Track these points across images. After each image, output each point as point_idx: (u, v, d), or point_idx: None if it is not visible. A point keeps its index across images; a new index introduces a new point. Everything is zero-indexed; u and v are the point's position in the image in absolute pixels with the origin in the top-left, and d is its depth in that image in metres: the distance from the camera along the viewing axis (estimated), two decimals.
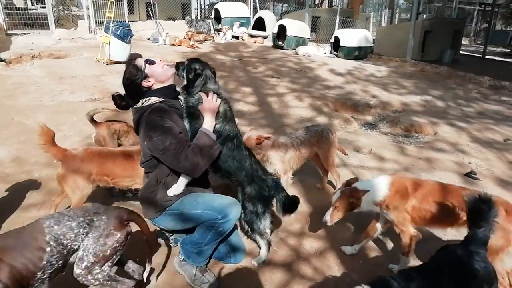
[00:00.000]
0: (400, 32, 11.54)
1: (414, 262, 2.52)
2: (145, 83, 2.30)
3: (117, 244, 1.93)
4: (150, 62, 2.31)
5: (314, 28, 14.39)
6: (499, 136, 5.37)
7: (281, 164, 2.98)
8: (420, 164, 4.34)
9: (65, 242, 1.80)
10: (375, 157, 4.50)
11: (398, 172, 4.04)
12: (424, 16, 18.54)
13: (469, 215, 2.00)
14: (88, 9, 10.98)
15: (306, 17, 13.62)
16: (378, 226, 2.65)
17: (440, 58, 11.64)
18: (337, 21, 13.13)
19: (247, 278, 2.45)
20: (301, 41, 11.95)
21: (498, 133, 5.48)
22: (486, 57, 13.69)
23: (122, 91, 2.37)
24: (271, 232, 2.65)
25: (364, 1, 17.73)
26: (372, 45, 12.02)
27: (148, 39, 11.26)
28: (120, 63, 7.72)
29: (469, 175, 4.06)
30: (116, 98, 2.36)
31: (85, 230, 1.86)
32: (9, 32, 9.89)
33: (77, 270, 1.85)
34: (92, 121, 3.33)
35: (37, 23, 10.66)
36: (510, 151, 4.78)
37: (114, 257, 1.94)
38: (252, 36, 13.15)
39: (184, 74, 2.31)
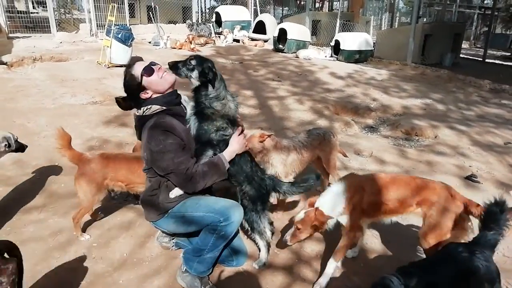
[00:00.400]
0: (401, 35, 11.56)
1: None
2: (143, 95, 2.25)
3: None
4: (147, 72, 2.21)
5: (314, 32, 14.46)
6: (500, 139, 5.36)
7: (282, 166, 2.98)
8: (420, 167, 4.34)
9: None
10: (376, 160, 4.50)
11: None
12: (425, 19, 18.58)
13: (482, 217, 1.99)
14: (90, 12, 11.08)
15: (307, 20, 13.69)
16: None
17: (440, 61, 11.65)
18: (338, 24, 13.20)
19: (248, 281, 2.45)
20: (302, 45, 11.99)
21: (499, 136, 5.48)
22: (486, 60, 13.70)
23: (123, 94, 2.36)
24: (272, 234, 2.64)
25: (365, 5, 17.81)
26: (373, 48, 12.04)
27: (149, 42, 11.33)
28: (121, 66, 7.74)
29: (470, 178, 4.06)
30: (120, 101, 2.36)
31: None
32: (10, 35, 9.96)
33: None
34: None
35: (39, 26, 10.72)
36: (511, 154, 4.77)
37: None
38: (252, 39, 13.20)
39: (196, 74, 2.20)
